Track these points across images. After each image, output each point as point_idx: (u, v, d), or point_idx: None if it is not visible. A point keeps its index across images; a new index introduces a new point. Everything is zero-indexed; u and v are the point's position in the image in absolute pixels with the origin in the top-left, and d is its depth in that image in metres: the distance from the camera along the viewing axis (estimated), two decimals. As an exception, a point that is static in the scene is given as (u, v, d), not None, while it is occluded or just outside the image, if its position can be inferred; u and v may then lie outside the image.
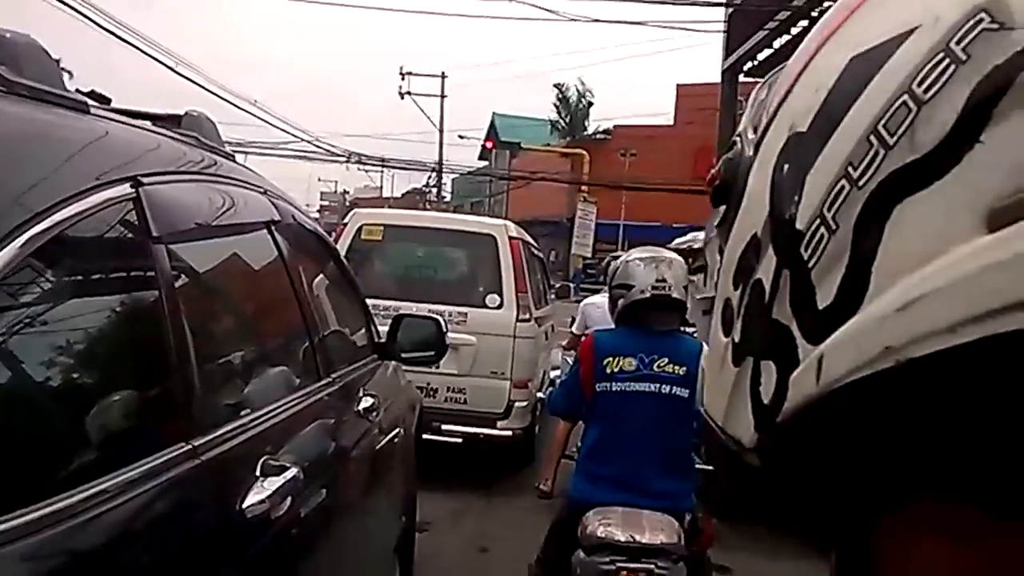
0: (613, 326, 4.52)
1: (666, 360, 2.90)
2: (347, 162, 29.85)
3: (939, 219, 0.37)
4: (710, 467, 0.61)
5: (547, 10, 14.93)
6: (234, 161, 2.22)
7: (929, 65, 0.39)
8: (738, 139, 0.58)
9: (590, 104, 41.48)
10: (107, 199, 1.33)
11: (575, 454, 5.32)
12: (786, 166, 0.47)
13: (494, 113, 45.29)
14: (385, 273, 6.28)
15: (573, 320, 5.95)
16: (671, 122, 36.32)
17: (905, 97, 0.39)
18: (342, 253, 5.83)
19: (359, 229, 6.20)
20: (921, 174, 0.38)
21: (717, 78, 21.73)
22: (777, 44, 18.56)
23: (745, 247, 0.50)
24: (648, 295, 2.91)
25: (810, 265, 0.43)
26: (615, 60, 77.33)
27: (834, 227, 0.42)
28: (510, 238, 6.09)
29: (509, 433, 5.83)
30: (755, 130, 0.57)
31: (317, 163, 31.26)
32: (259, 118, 23.24)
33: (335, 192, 74.25)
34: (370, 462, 2.66)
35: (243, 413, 1.67)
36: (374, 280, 5.96)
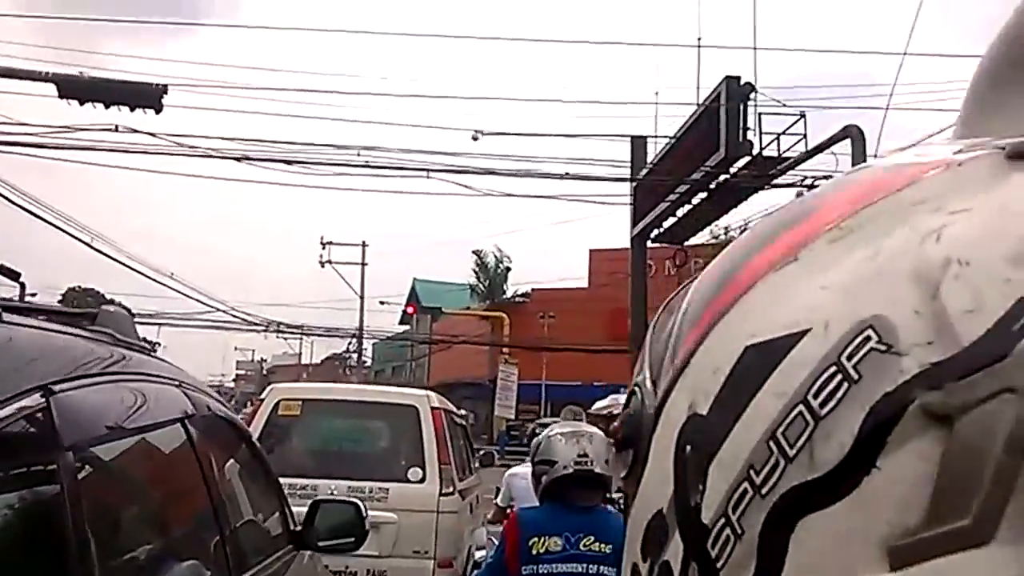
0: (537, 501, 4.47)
1: (592, 538, 2.86)
2: (265, 331, 29.52)
3: (841, 544, 0.36)
4: None
5: (463, 185, 15.66)
6: (150, 354, 2.19)
7: (823, 377, 0.38)
8: (637, 389, 0.59)
9: (508, 269, 42.69)
10: (17, 409, 1.31)
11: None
12: (688, 448, 0.46)
13: (415, 279, 46.04)
14: (304, 449, 6.11)
15: (498, 491, 5.83)
16: (585, 285, 37.53)
17: (801, 408, 0.39)
18: (259, 430, 5.74)
19: (276, 404, 6.05)
20: (822, 493, 0.37)
21: (627, 243, 22.80)
22: (680, 213, 19.78)
23: (651, 519, 0.49)
24: (571, 471, 2.91)
25: (718, 565, 0.42)
26: (530, 228, 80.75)
27: (740, 531, 0.41)
28: (432, 408, 6.03)
29: (433, 618, 5.53)
30: (653, 384, 0.58)
31: (234, 332, 30.71)
32: (175, 290, 22.96)
33: (252, 360, 72.78)
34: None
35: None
36: (292, 457, 5.79)
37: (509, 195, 18.43)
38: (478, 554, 5.17)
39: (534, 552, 2.85)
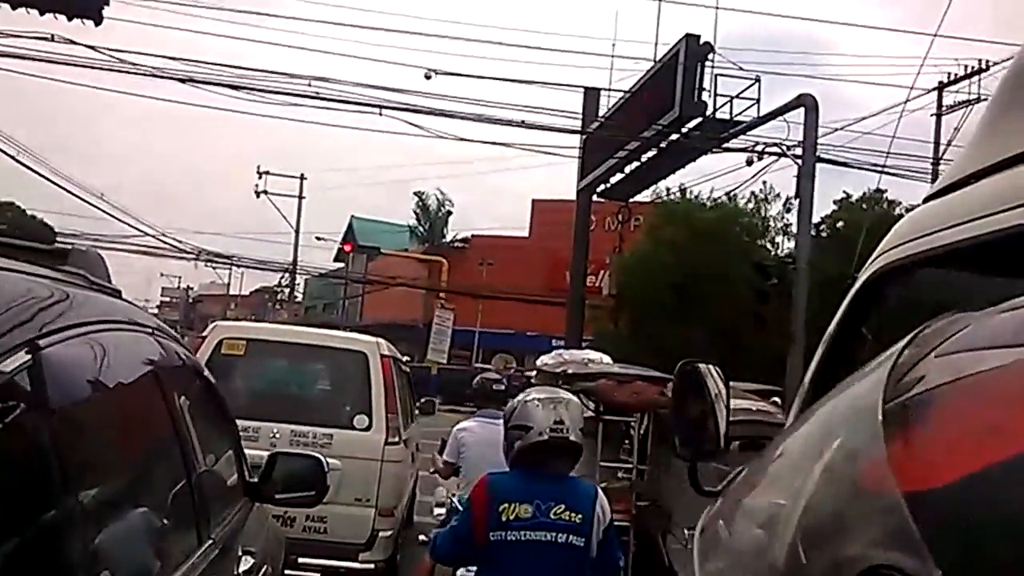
0: (487, 452, 4.43)
1: (563, 507, 2.82)
2: (195, 259, 28.64)
3: None
4: None
5: (415, 125, 15.20)
6: (121, 298, 2.03)
7: None
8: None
9: (449, 213, 42.27)
10: (3, 369, 1.17)
11: (442, 584, 5.09)
12: None
13: (353, 216, 45.24)
14: (246, 390, 5.93)
15: (442, 445, 5.77)
16: (527, 234, 37.52)
17: None
18: (199, 368, 5.53)
19: (219, 343, 5.84)
20: None
21: (571, 195, 22.74)
22: (628, 169, 19.78)
23: None
24: (546, 438, 2.85)
25: None
26: (476, 174, 79.74)
27: None
28: (381, 356, 5.92)
29: (372, 566, 5.49)
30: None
31: (163, 259, 29.73)
32: (102, 211, 22.00)
33: (178, 288, 70.76)
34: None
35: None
36: (233, 398, 5.58)
37: (463, 139, 18.13)
38: (437, 511, 5.13)
39: (504, 518, 2.80)
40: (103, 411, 1.61)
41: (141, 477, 1.89)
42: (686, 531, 4.90)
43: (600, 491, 2.99)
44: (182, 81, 13.53)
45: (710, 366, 2.90)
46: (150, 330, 2.07)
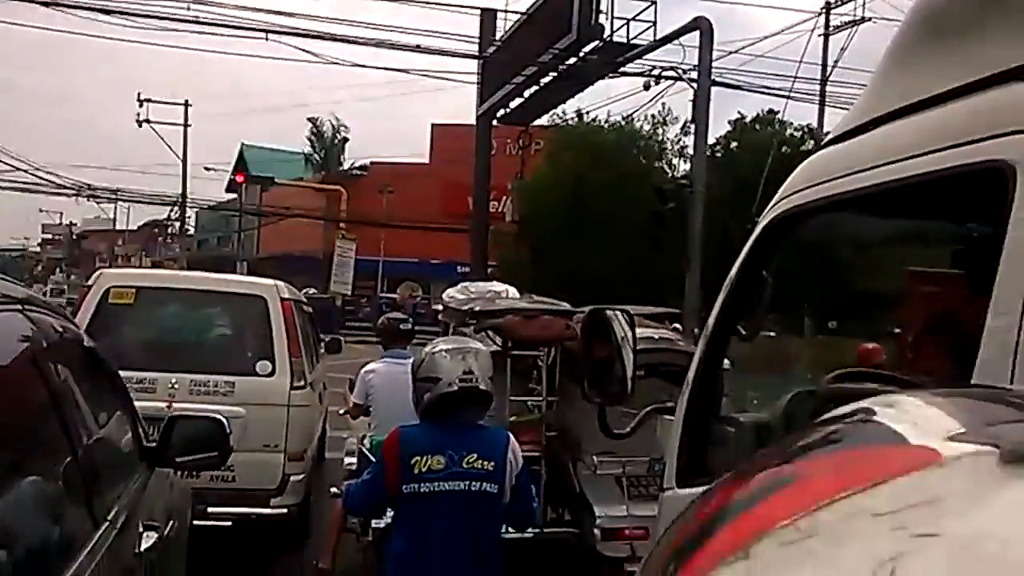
0: (396, 391, 4.40)
1: (475, 456, 2.82)
2: (77, 195, 27.00)
3: None
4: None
5: (307, 51, 14.48)
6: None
7: None
8: None
9: (345, 140, 41.06)
10: None
11: (355, 527, 5.10)
12: None
13: (243, 144, 43.36)
14: (139, 341, 5.65)
15: (351, 384, 5.70)
16: (426, 161, 36.90)
17: None
18: (86, 320, 5.23)
19: (106, 292, 5.52)
20: None
21: (471, 120, 22.42)
22: (527, 94, 19.58)
23: None
24: (455, 388, 2.83)
25: None
26: (370, 99, 77.25)
27: None
28: (282, 299, 5.73)
29: (284, 511, 5.43)
30: None
31: (41, 196, 27.80)
32: (-33, 145, 20.37)
33: (60, 224, 66.73)
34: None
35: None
36: (126, 349, 5.33)
37: (357, 65, 17.43)
38: (347, 460, 5.08)
39: (416, 471, 2.78)
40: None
41: (18, 464, 1.76)
42: (594, 457, 5.03)
43: (512, 437, 3.00)
44: (44, 4, 12.42)
45: (617, 311, 2.92)
46: (19, 306, 1.90)
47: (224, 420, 3.01)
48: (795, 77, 17.30)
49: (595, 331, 2.86)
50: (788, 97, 16.79)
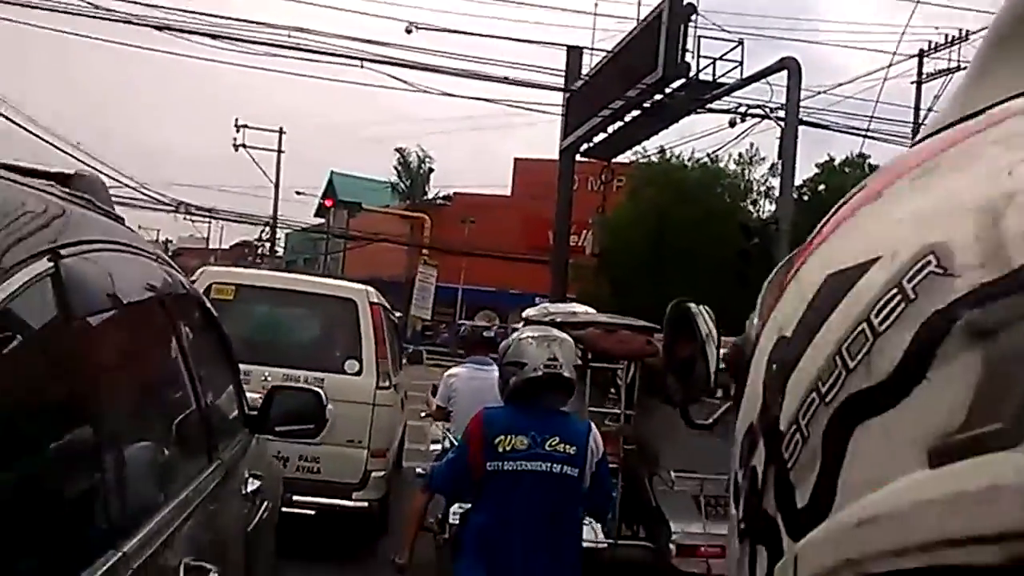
0: (477, 397, 4.52)
1: (557, 439, 2.91)
2: (174, 211, 28.36)
3: (889, 447, 0.40)
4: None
5: (399, 79, 15.10)
6: (124, 224, 2.06)
7: (884, 298, 0.42)
8: (747, 324, 0.65)
9: (431, 170, 41.95)
10: (29, 277, 1.21)
11: (433, 525, 5.22)
12: (774, 366, 0.50)
13: (332, 172, 44.80)
14: (236, 335, 5.91)
15: (434, 389, 5.87)
16: (508, 193, 37.38)
17: (864, 326, 0.42)
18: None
19: (208, 288, 5.85)
20: (875, 401, 0.40)
21: (553, 154, 22.69)
22: (611, 129, 19.74)
23: (746, 432, 0.53)
24: (540, 373, 2.93)
25: (789, 465, 0.46)
26: (455, 131, 79.15)
27: (806, 435, 0.44)
28: (371, 303, 5.97)
29: (365, 504, 5.61)
30: (759, 316, 0.64)
31: (141, 211, 29.31)
32: (80, 160, 21.66)
33: (156, 241, 69.97)
34: (252, 543, 2.48)
35: (160, 511, 1.52)
36: (224, 343, 5.64)
37: (446, 94, 17.97)
38: (433, 447, 5.23)
39: (500, 449, 2.88)
40: (119, 326, 1.66)
41: (153, 395, 1.95)
42: (672, 473, 5.04)
43: (593, 426, 3.09)
44: (158, 28, 13.28)
45: (701, 307, 2.97)
46: (155, 257, 2.11)
47: (321, 392, 3.19)
48: (871, 117, 16.93)
49: (679, 327, 2.93)
50: (874, 138, 16.47)
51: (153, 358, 2.03)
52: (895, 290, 0.41)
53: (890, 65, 20.39)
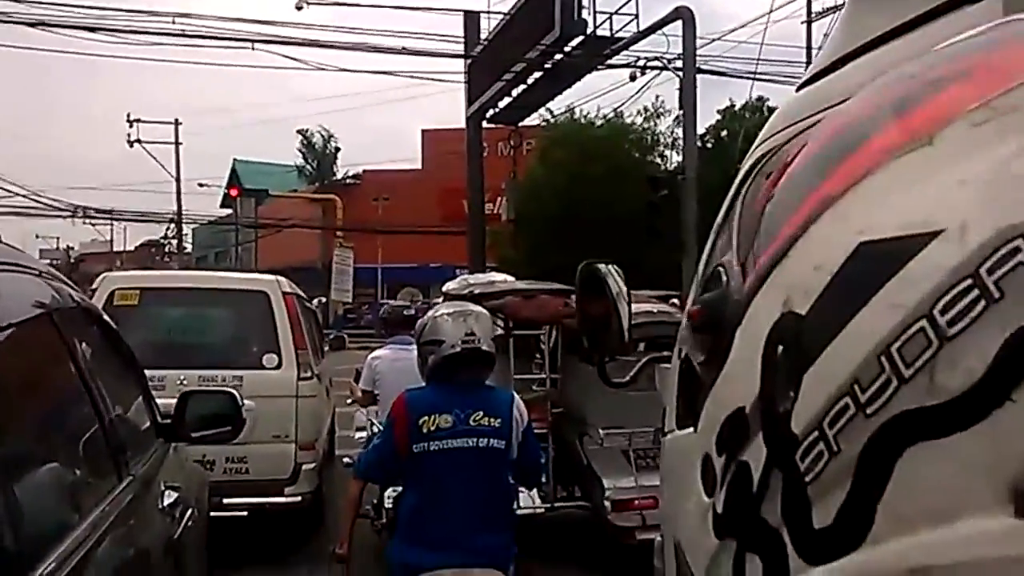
0: (402, 378, 4.49)
1: (481, 413, 2.91)
2: (72, 216, 27.10)
3: (957, 478, 0.30)
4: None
5: (293, 59, 14.65)
6: (1, 242, 1.93)
7: (954, 291, 0.30)
8: (721, 271, 0.53)
9: (337, 149, 41.14)
10: None
11: (369, 512, 5.19)
12: (780, 348, 0.39)
13: (235, 159, 43.47)
14: (145, 341, 5.69)
15: (358, 373, 5.79)
16: (419, 166, 36.99)
17: (924, 323, 0.31)
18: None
19: (111, 294, 5.62)
20: (939, 421, 0.30)
21: (460, 124, 22.52)
22: (515, 93, 19.68)
23: (731, 415, 0.44)
24: (459, 349, 2.91)
25: (807, 479, 0.37)
26: (357, 107, 77.49)
27: (836, 449, 0.36)
28: (284, 294, 5.83)
29: (298, 499, 5.53)
30: (742, 267, 0.50)
31: (37, 220, 27.84)
32: (-40, 172, 20.44)
33: (57, 249, 66.78)
34: (179, 556, 2.41)
35: (69, 535, 1.45)
36: (134, 350, 5.42)
37: (344, 70, 17.55)
38: (358, 434, 5.16)
39: (424, 430, 2.86)
40: (1, 347, 1.56)
41: (48, 414, 1.85)
42: (600, 430, 5.12)
43: (516, 396, 3.09)
44: (32, 25, 12.52)
45: (610, 266, 3.00)
46: (37, 272, 1.99)
47: (236, 393, 3.10)
48: (757, 60, 17.34)
49: (589, 287, 2.95)
50: (770, 81, 16.88)
51: (44, 377, 1.92)
52: (969, 281, 0.30)
53: (772, 10, 20.80)
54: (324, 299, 23.82)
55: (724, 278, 0.47)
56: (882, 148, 0.38)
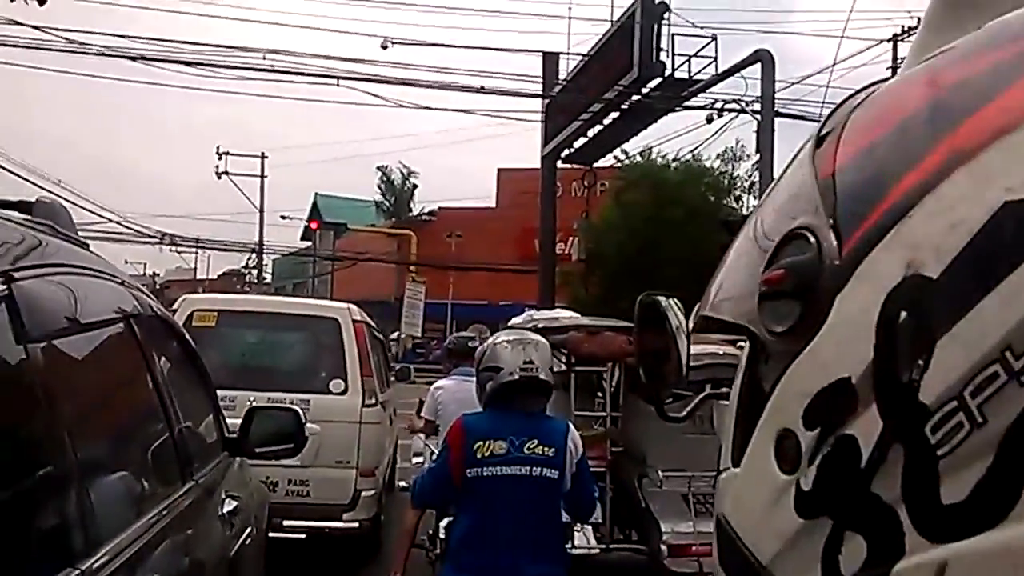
0: (464, 408, 4.53)
1: (536, 442, 2.92)
2: (159, 243, 28.30)
3: None
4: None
5: (374, 95, 15.18)
6: (88, 250, 2.06)
7: None
8: (807, 234, 0.50)
9: (414, 186, 42.01)
10: None
11: (425, 542, 5.20)
12: (903, 314, 0.39)
13: (317, 194, 44.79)
14: (219, 362, 5.90)
15: (421, 403, 5.86)
16: (493, 204, 37.41)
17: None
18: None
19: (190, 316, 5.85)
20: None
21: (535, 163, 22.76)
22: (591, 133, 19.83)
23: (828, 386, 0.43)
24: (516, 377, 2.94)
25: (939, 452, 0.36)
26: (436, 145, 79.38)
27: (980, 420, 0.35)
28: (354, 321, 5.97)
29: (356, 525, 5.59)
30: (835, 229, 0.47)
31: (126, 245, 29.20)
32: (62, 198, 21.56)
33: (143, 275, 69.73)
34: (236, 570, 2.47)
35: (126, 530, 1.52)
36: (208, 369, 5.63)
37: (424, 107, 18.02)
38: (415, 460, 5.22)
39: (479, 456, 2.89)
40: (80, 350, 1.66)
41: (118, 417, 1.94)
42: (660, 472, 5.05)
43: (572, 426, 3.09)
44: (132, 59, 13.27)
45: (670, 299, 2.98)
46: (120, 280, 2.11)
47: (299, 411, 3.19)
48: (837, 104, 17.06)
49: (649, 320, 2.94)
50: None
51: (118, 380, 2.03)
52: None
53: (836, 50, 20.45)
54: (399, 333, 24.21)
55: (812, 240, 0.44)
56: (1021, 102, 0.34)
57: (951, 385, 0.35)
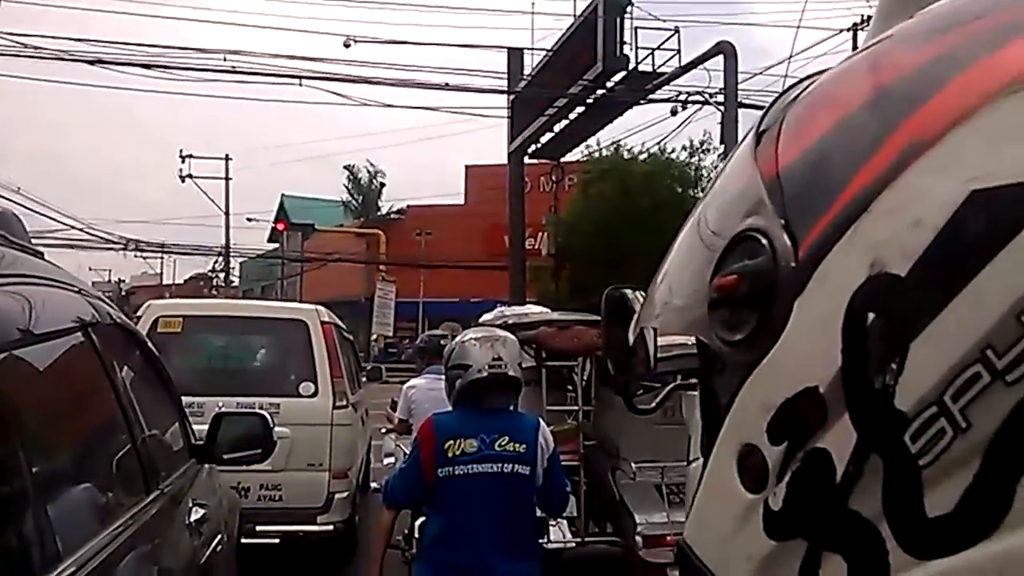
0: (437, 407, 4.52)
1: (507, 438, 2.91)
2: (123, 249, 27.89)
3: None
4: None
5: (338, 94, 15.06)
6: (43, 259, 2.02)
7: None
8: (760, 238, 0.47)
9: (382, 185, 41.76)
10: None
11: (400, 543, 5.18)
12: (871, 316, 0.37)
13: (283, 195, 44.38)
14: (186, 367, 5.84)
15: (394, 403, 5.83)
16: (462, 201, 37.33)
17: None
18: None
19: (155, 322, 5.77)
20: None
21: (503, 159, 22.75)
22: (557, 128, 19.86)
23: (794, 396, 0.40)
24: (485, 374, 2.93)
25: (921, 462, 0.34)
26: (402, 143, 79.02)
27: (964, 425, 0.33)
28: (322, 323, 5.92)
29: (330, 527, 5.56)
30: (788, 230, 0.44)
31: (90, 252, 28.75)
32: (22, 206, 21.17)
33: (108, 281, 68.67)
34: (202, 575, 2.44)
35: (89, 542, 1.49)
36: (175, 376, 5.55)
37: (389, 106, 17.98)
38: (386, 460, 5.19)
39: (450, 454, 2.88)
40: (35, 361, 1.62)
41: (75, 426, 1.91)
42: (633, 464, 5.07)
43: (542, 422, 3.09)
44: (91, 63, 13.03)
45: (636, 292, 3.01)
46: (76, 289, 2.07)
47: (267, 415, 3.15)
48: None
49: (616, 312, 2.95)
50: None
51: (77, 391, 1.99)
52: None
53: (792, 40, 20.68)
54: (375, 335, 24.09)
55: (764, 242, 0.41)
56: (990, 80, 0.33)
57: (929, 389, 0.34)
